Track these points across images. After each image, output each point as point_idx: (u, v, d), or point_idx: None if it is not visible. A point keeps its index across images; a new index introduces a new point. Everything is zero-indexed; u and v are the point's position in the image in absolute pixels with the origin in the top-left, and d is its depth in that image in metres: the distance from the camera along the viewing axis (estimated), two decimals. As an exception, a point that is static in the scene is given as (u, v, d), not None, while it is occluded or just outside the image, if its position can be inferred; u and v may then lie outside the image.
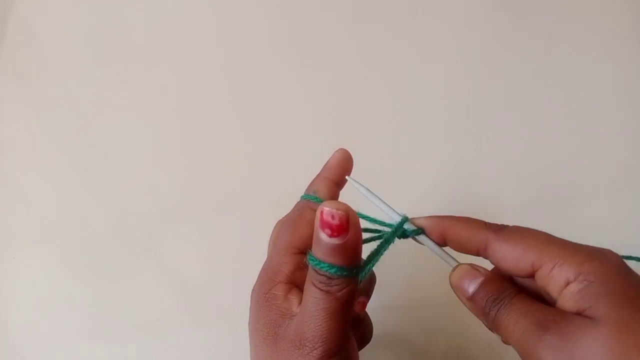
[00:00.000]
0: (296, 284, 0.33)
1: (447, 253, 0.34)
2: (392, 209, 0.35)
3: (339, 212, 0.28)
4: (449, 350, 0.48)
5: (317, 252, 0.29)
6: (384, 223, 0.36)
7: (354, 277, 0.29)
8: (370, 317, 0.38)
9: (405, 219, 0.34)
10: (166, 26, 0.62)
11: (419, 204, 0.53)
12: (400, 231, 0.34)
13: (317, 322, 0.29)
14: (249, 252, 0.46)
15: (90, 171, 0.56)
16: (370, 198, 0.35)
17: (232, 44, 0.61)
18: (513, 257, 0.30)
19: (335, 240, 0.28)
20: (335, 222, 0.28)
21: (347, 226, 0.28)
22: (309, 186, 0.37)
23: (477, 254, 0.32)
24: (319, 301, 0.29)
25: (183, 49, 0.61)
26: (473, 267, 0.32)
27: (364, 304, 0.37)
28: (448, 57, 0.59)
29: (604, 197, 0.54)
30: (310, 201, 0.36)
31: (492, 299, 0.30)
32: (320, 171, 0.37)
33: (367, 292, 0.38)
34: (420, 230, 0.34)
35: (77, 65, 0.60)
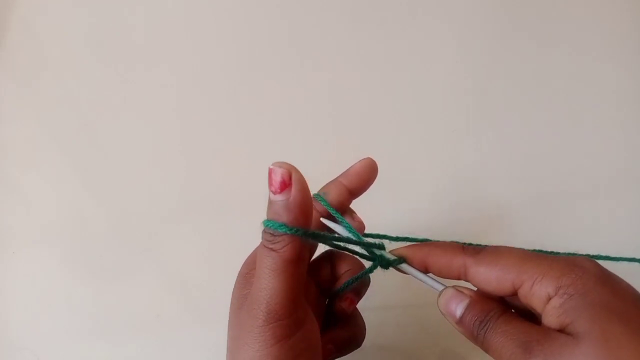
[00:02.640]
0: None
1: (431, 278, 0.34)
2: (371, 243, 0.35)
3: (282, 169, 0.28)
4: (447, 350, 0.48)
5: (267, 212, 0.30)
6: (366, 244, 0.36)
7: (299, 237, 0.29)
8: (369, 319, 0.38)
9: (382, 247, 0.35)
10: (166, 26, 0.62)
11: (420, 203, 0.53)
12: (383, 262, 0.35)
13: (261, 281, 0.30)
14: (249, 251, 0.47)
15: (90, 171, 0.56)
16: (346, 233, 0.35)
17: (232, 44, 0.61)
18: (492, 278, 0.30)
19: (278, 197, 0.29)
20: (278, 178, 0.28)
21: (290, 183, 0.28)
22: (322, 187, 0.37)
23: (459, 279, 0.32)
24: (264, 259, 0.30)
25: (183, 49, 0.61)
26: (458, 289, 0.32)
27: (352, 301, 0.37)
28: (448, 57, 0.59)
29: (604, 197, 0.54)
30: (315, 200, 0.36)
31: (479, 322, 0.30)
32: (339, 175, 0.37)
33: (358, 291, 0.38)
34: (402, 260, 0.34)
35: (77, 65, 0.60)
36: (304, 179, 0.29)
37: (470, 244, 0.33)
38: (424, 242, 0.35)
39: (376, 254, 0.35)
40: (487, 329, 0.30)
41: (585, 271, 0.28)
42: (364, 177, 0.37)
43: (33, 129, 0.58)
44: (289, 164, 0.29)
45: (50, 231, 0.53)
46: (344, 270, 0.37)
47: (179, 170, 0.56)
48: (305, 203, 0.29)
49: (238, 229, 0.52)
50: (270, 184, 0.29)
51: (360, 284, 0.38)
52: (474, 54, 0.59)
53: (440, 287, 0.33)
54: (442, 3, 0.61)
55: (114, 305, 0.50)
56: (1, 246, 0.53)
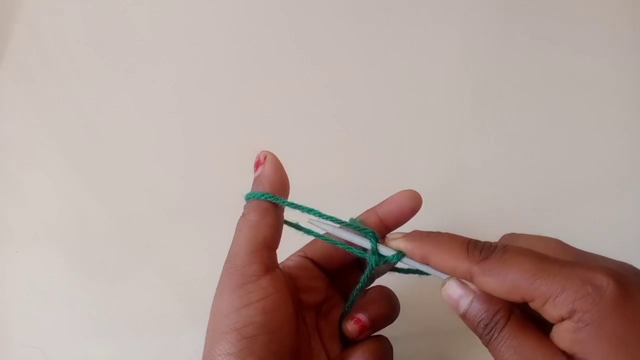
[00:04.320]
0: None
1: (432, 268, 0.33)
2: (363, 237, 0.35)
3: (261, 152, 0.36)
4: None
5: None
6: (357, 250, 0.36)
7: (263, 202, 0.35)
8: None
9: (375, 241, 0.34)
10: (169, 26, 0.62)
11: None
12: (382, 259, 0.34)
13: (233, 241, 0.35)
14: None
15: (93, 170, 0.56)
16: (337, 233, 0.35)
17: (235, 44, 0.61)
18: (501, 292, 0.29)
19: (256, 173, 0.36)
20: (256, 160, 0.36)
21: (264, 162, 0.36)
22: (358, 215, 0.37)
23: (464, 279, 0.31)
24: (238, 223, 0.35)
25: (186, 49, 0.61)
26: (462, 282, 0.31)
27: (359, 321, 0.36)
28: (450, 58, 0.59)
29: (604, 197, 0.54)
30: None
31: (484, 324, 0.29)
32: (377, 204, 0.37)
33: (366, 309, 0.37)
34: (400, 256, 0.33)
35: (80, 65, 0.60)
36: (276, 159, 0.36)
37: (476, 242, 0.31)
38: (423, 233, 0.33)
39: (373, 248, 0.34)
40: (492, 336, 0.29)
41: (603, 295, 0.26)
42: (403, 211, 0.37)
43: (35, 128, 0.58)
44: (267, 151, 0.36)
45: (53, 231, 0.54)
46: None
47: (180, 169, 0.56)
48: (274, 176, 0.35)
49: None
50: (254, 165, 0.36)
51: (369, 301, 0.37)
52: (476, 55, 0.59)
53: (443, 276, 0.32)
54: (444, 5, 0.61)
55: (117, 304, 0.50)
56: (4, 245, 0.53)
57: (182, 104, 0.59)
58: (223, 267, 0.35)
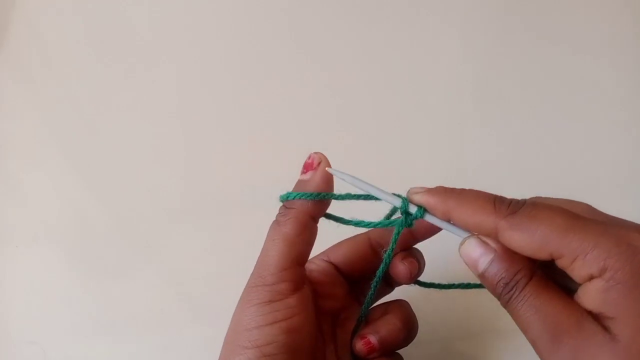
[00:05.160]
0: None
1: (453, 226, 0.31)
2: (389, 194, 0.33)
3: (315, 154, 0.33)
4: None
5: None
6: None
7: (302, 217, 0.32)
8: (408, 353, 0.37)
9: (405, 205, 0.32)
10: (169, 26, 0.62)
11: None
12: (409, 220, 0.32)
13: (264, 250, 0.33)
14: (251, 249, 0.46)
15: (92, 169, 0.56)
16: (361, 186, 0.33)
17: (235, 43, 0.61)
18: (528, 247, 0.27)
19: (303, 176, 0.33)
20: (309, 161, 0.33)
21: (316, 168, 0.33)
22: None
23: (489, 236, 0.29)
24: (269, 231, 0.33)
25: (186, 49, 0.61)
26: (482, 240, 0.29)
27: (368, 343, 0.35)
28: (451, 58, 0.59)
29: (604, 197, 0.53)
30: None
31: (504, 283, 0.27)
32: None
33: (378, 329, 0.35)
34: (422, 212, 0.31)
35: (80, 65, 0.60)
36: (329, 174, 0.33)
37: (503, 197, 0.29)
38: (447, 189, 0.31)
39: (404, 205, 0.31)
40: (513, 296, 0.27)
41: (637, 253, 0.24)
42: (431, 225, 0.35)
43: (35, 128, 0.58)
44: (322, 155, 0.33)
45: (53, 230, 0.54)
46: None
47: (180, 168, 0.56)
48: (322, 187, 0.33)
49: (240, 227, 0.52)
50: (304, 166, 0.34)
51: (382, 323, 0.36)
52: (477, 54, 0.59)
53: (463, 235, 0.30)
54: (445, 5, 0.61)
55: (117, 303, 0.50)
56: (5, 244, 0.53)
57: (182, 104, 0.59)
58: (251, 276, 0.33)
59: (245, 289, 0.33)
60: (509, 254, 0.28)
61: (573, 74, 0.58)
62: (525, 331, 0.27)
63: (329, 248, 0.38)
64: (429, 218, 0.31)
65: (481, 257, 0.29)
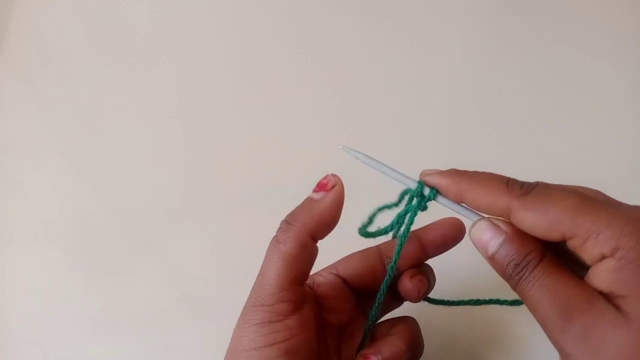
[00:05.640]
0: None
1: (465, 208, 0.31)
2: (403, 175, 0.33)
3: (332, 176, 0.32)
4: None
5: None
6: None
7: (302, 237, 0.31)
8: None
9: (420, 187, 0.32)
10: (169, 26, 0.62)
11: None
12: (422, 203, 0.32)
13: (263, 268, 0.32)
14: (251, 248, 0.46)
15: (93, 168, 0.56)
16: (374, 166, 0.33)
17: (235, 43, 0.61)
18: (540, 227, 0.27)
19: (314, 195, 0.32)
20: (324, 181, 0.32)
21: (329, 191, 0.32)
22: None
23: (501, 216, 0.29)
24: (268, 249, 0.32)
25: (186, 49, 0.61)
26: (493, 222, 0.29)
27: None
28: (451, 58, 0.59)
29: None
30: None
31: (514, 264, 0.27)
32: (419, 228, 0.35)
33: (381, 349, 0.34)
34: (434, 193, 0.31)
35: (80, 65, 0.60)
36: (342, 195, 0.32)
37: (516, 179, 0.29)
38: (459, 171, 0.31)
39: (419, 188, 0.31)
40: (523, 276, 0.27)
41: None
42: (446, 240, 0.35)
43: (35, 127, 0.58)
44: (338, 179, 0.32)
45: (53, 230, 0.54)
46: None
47: (181, 167, 0.56)
48: (328, 213, 0.32)
49: (240, 227, 0.52)
50: (317, 185, 0.33)
51: (386, 344, 0.34)
52: (477, 53, 0.59)
53: (474, 217, 0.30)
54: (445, 5, 0.61)
55: (117, 302, 0.50)
56: (5, 244, 0.53)
57: (182, 104, 0.59)
58: (250, 294, 0.32)
59: (244, 307, 0.32)
60: (520, 236, 0.28)
61: (573, 74, 0.58)
62: (534, 311, 0.27)
63: (338, 261, 0.38)
64: (442, 200, 0.31)
65: (492, 239, 0.28)
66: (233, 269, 0.51)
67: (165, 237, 0.53)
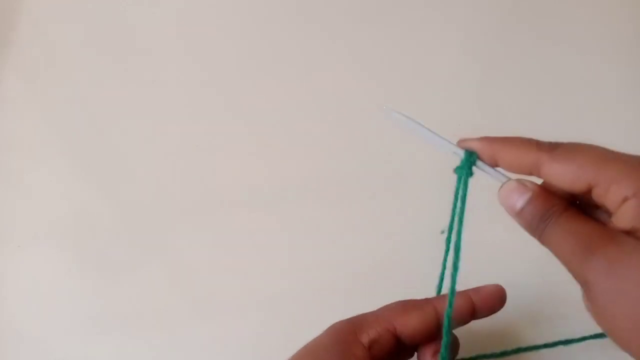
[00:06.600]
0: None
1: (499, 173, 0.33)
2: (450, 142, 0.35)
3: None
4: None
5: None
6: None
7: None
8: None
9: (469, 155, 0.34)
10: (171, 26, 0.62)
11: (421, 199, 0.53)
12: (470, 168, 0.33)
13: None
14: (254, 247, 0.46)
15: (96, 167, 0.56)
16: (420, 131, 0.35)
17: (237, 43, 0.61)
18: (567, 177, 0.28)
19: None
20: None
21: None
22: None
23: (531, 174, 0.30)
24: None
25: (187, 48, 0.61)
26: (521, 182, 0.31)
27: None
28: (451, 57, 0.60)
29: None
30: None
31: (539, 216, 0.29)
32: (470, 289, 0.36)
33: None
34: (475, 157, 0.33)
35: (83, 64, 0.60)
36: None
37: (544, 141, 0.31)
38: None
39: (467, 156, 0.33)
40: (547, 224, 0.28)
41: None
42: (493, 306, 0.36)
43: (40, 125, 0.58)
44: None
45: (56, 229, 0.54)
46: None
47: (184, 166, 0.56)
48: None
49: (244, 225, 0.53)
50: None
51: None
52: (478, 52, 0.59)
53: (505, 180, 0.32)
54: (445, 5, 0.61)
55: (120, 301, 0.50)
56: (7, 242, 0.53)
57: (189, 102, 0.59)
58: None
59: None
60: (546, 193, 0.30)
61: (573, 74, 0.58)
62: (558, 253, 0.28)
63: (393, 311, 0.36)
64: (480, 165, 0.33)
65: (519, 196, 0.30)
66: (235, 269, 0.51)
67: (168, 236, 0.53)
